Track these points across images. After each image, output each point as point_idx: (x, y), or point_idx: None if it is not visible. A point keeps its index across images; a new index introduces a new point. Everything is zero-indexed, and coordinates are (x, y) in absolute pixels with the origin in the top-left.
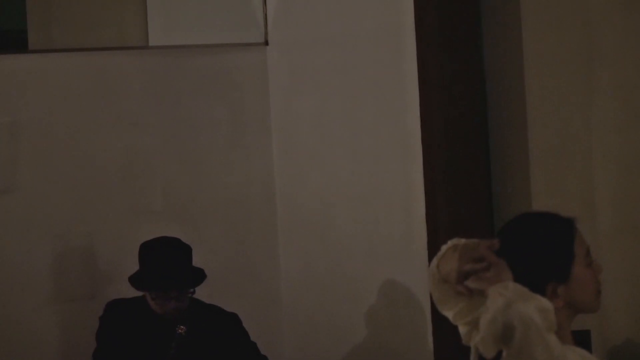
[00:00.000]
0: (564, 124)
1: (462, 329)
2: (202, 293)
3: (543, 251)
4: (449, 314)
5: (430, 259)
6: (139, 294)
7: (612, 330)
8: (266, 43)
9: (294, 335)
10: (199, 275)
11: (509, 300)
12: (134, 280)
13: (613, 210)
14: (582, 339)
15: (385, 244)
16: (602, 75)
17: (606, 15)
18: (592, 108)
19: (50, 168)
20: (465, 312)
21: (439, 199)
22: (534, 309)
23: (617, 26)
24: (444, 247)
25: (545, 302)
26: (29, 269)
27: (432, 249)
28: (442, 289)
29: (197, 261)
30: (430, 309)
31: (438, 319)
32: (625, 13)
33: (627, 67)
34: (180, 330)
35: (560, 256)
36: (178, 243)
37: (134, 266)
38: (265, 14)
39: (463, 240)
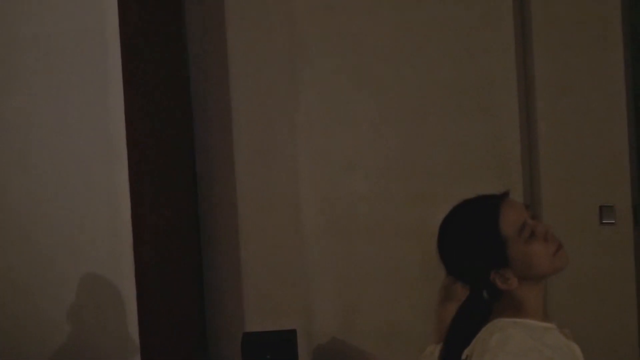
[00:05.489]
0: (269, 124)
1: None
2: None
3: (470, 249)
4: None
5: (136, 260)
6: None
7: (317, 329)
8: None
9: None
10: None
11: None
12: None
13: (318, 211)
14: (288, 338)
15: (91, 245)
16: (305, 73)
17: (309, 13)
18: (297, 108)
19: None
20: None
21: (145, 200)
22: None
23: (320, 25)
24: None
25: None
26: None
27: (138, 250)
28: None
29: None
30: (137, 310)
31: (145, 319)
32: (327, 12)
33: (329, 65)
34: None
35: (489, 247)
36: None
37: None
38: None
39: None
